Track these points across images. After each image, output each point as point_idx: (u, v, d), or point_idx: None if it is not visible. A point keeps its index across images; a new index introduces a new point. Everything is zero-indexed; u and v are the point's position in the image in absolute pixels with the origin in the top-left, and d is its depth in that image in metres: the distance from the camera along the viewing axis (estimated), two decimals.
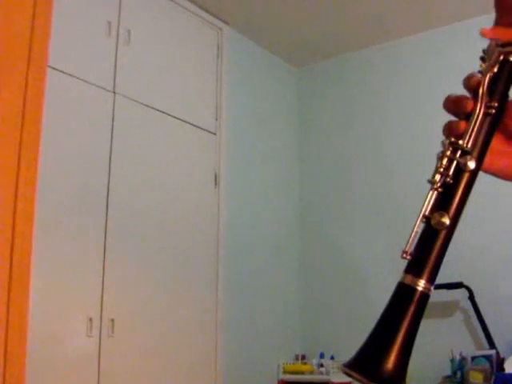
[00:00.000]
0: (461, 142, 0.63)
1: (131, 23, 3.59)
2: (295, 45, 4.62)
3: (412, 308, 0.60)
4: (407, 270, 0.61)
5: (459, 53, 4.16)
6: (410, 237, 0.63)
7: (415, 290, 0.60)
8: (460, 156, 0.63)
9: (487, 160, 0.65)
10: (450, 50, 4.22)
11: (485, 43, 0.71)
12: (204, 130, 3.99)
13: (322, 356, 4.22)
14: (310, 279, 4.54)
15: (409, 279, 0.61)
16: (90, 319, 3.08)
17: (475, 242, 3.74)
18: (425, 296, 0.60)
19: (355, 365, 0.59)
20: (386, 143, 4.39)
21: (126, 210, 3.37)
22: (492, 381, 3.34)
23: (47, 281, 2.92)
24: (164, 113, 3.71)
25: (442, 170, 0.63)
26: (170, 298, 3.56)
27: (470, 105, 0.64)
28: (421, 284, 0.60)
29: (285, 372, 4.23)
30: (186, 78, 3.94)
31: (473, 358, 3.51)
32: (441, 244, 0.61)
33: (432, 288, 0.61)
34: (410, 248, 0.62)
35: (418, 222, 0.63)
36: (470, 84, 0.65)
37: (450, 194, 0.62)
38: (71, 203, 3.11)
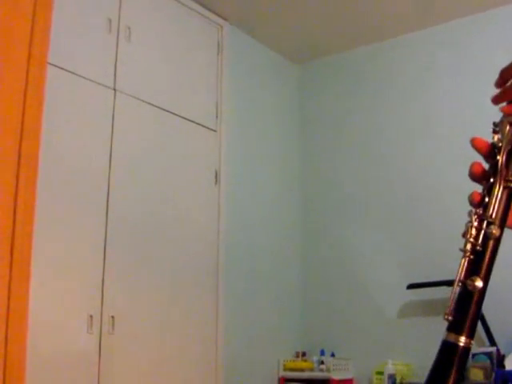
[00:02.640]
0: (485, 213, 0.74)
1: (131, 20, 3.59)
2: (296, 41, 4.62)
3: (457, 361, 0.71)
4: (449, 329, 0.72)
5: (461, 50, 4.16)
6: (450, 300, 0.73)
7: (458, 346, 0.71)
8: (486, 226, 0.74)
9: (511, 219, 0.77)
10: (451, 47, 4.21)
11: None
12: (204, 127, 3.98)
13: (322, 353, 4.22)
14: (310, 276, 4.54)
15: (452, 337, 0.72)
16: (91, 316, 3.08)
17: None
18: (467, 350, 0.71)
19: None
20: (389, 140, 4.39)
21: (126, 207, 3.37)
22: (492, 378, 3.34)
23: (47, 278, 2.92)
24: (164, 110, 3.71)
25: (471, 239, 0.74)
26: (171, 295, 3.56)
27: (477, 168, 0.76)
28: (462, 340, 0.71)
29: (285, 369, 4.23)
30: (187, 75, 3.93)
31: (473, 355, 3.51)
32: (476, 304, 0.72)
33: (473, 342, 0.71)
34: (450, 309, 0.73)
35: (455, 287, 0.73)
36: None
37: (481, 260, 0.73)
38: (71, 201, 3.10)
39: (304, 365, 4.21)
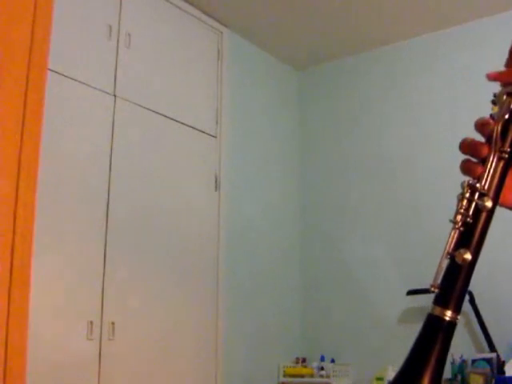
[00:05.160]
0: (478, 184, 0.71)
1: (132, 27, 3.60)
2: (296, 48, 4.63)
3: (441, 336, 0.68)
4: (436, 302, 0.69)
5: (459, 56, 4.16)
6: (436, 271, 0.70)
7: (443, 320, 0.68)
8: (478, 198, 0.70)
9: (504, 196, 0.73)
10: (450, 53, 4.22)
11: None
12: (204, 133, 3.99)
13: (322, 359, 4.21)
14: (310, 282, 4.54)
15: (437, 311, 0.68)
16: (91, 322, 3.08)
17: None
18: (452, 325, 0.68)
19: None
20: (388, 146, 4.39)
21: (126, 213, 3.37)
22: None
23: (48, 284, 2.92)
24: (164, 116, 3.71)
25: (462, 210, 0.71)
26: (171, 301, 3.56)
27: (485, 151, 0.72)
28: (448, 314, 0.68)
29: (285, 375, 4.22)
30: (187, 81, 3.94)
31: (473, 361, 3.51)
32: (464, 278, 0.69)
33: (458, 317, 0.68)
34: (437, 282, 0.70)
35: (442, 259, 0.71)
36: (485, 133, 0.73)
37: (471, 233, 0.70)
38: (71, 206, 3.11)
39: (304, 371, 4.20)
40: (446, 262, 0.70)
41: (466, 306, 3.75)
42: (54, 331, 2.93)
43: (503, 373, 3.38)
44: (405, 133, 4.34)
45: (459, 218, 0.70)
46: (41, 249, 2.61)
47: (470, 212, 0.70)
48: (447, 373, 3.58)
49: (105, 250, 3.22)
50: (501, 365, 3.42)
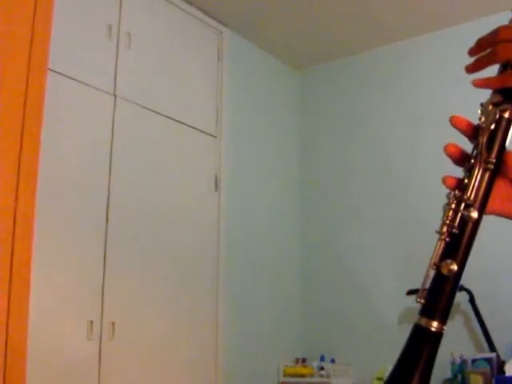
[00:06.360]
0: (464, 196, 0.72)
1: (131, 26, 3.60)
2: (296, 47, 4.63)
3: (427, 347, 0.68)
4: (422, 313, 0.70)
5: (459, 56, 4.16)
6: (423, 282, 0.70)
7: (430, 330, 0.68)
8: (464, 208, 0.71)
9: (498, 205, 0.74)
10: (450, 52, 4.22)
11: None
12: (205, 133, 3.99)
13: (322, 359, 4.21)
14: (310, 282, 4.54)
15: (424, 321, 0.69)
16: (91, 322, 3.08)
17: (476, 244, 3.72)
18: (438, 336, 0.68)
19: None
20: (390, 147, 4.39)
21: (126, 213, 3.37)
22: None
23: (48, 284, 2.92)
24: (164, 116, 3.71)
25: (448, 221, 0.71)
26: (171, 301, 3.56)
27: (452, 149, 0.74)
28: (434, 325, 0.68)
29: (285, 375, 4.22)
30: (187, 80, 3.94)
31: (473, 361, 3.51)
32: (450, 289, 0.70)
33: (444, 327, 0.69)
34: (424, 292, 0.70)
35: (429, 269, 0.71)
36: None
37: (457, 243, 0.71)
38: (71, 206, 3.11)
39: (304, 370, 4.20)
40: (432, 273, 0.70)
41: (466, 305, 3.75)
42: (54, 331, 2.93)
43: (503, 372, 3.38)
44: (405, 132, 4.34)
45: (445, 228, 0.71)
46: (41, 248, 2.62)
47: (456, 223, 0.71)
48: (447, 373, 3.58)
49: (105, 250, 3.22)
50: (501, 364, 3.42)
